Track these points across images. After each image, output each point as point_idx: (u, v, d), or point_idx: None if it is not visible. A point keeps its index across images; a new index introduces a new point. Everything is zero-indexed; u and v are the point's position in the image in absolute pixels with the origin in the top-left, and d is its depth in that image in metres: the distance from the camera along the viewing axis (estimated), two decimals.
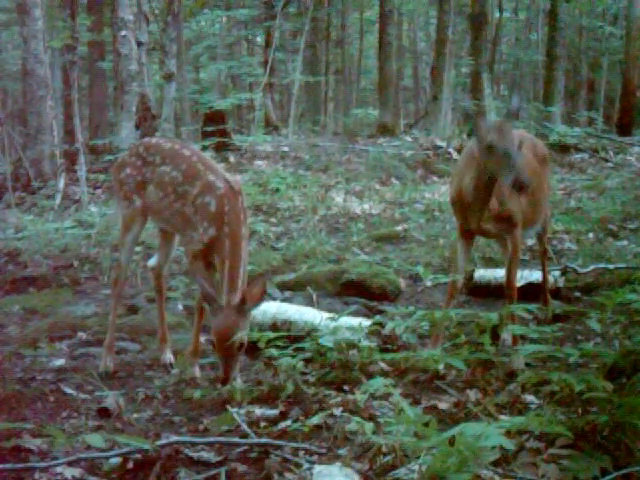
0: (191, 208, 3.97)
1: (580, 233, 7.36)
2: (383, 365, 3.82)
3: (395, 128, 15.68)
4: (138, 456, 2.86)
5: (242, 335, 3.64)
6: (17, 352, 4.74)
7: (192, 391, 3.77)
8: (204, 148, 11.13)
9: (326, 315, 4.26)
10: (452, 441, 2.38)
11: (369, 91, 26.46)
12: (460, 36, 20.42)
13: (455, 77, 16.42)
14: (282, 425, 3.14)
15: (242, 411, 3.33)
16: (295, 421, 3.16)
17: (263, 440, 2.97)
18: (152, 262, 4.59)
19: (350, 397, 3.29)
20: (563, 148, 12.69)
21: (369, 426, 2.81)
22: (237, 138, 13.14)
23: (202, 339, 4.93)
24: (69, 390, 3.96)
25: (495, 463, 2.55)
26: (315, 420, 3.09)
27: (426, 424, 2.63)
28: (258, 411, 3.33)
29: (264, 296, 3.74)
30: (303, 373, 3.66)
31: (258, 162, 11.89)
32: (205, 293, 3.72)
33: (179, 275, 6.46)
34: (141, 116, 11.38)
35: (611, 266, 5.87)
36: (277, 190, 9.88)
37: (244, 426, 3.15)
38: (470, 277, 5.70)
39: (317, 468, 2.60)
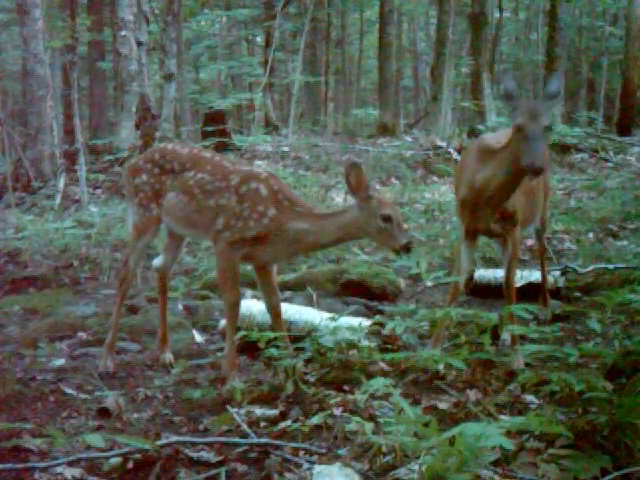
0: (233, 197, 3.94)
1: (580, 233, 7.37)
2: (383, 365, 3.81)
3: (395, 128, 15.68)
4: (138, 456, 2.86)
5: None
6: (17, 352, 4.74)
7: (192, 391, 3.76)
8: (204, 148, 11.12)
9: (326, 315, 4.25)
10: (452, 441, 2.38)
11: (369, 91, 26.49)
12: (460, 36, 20.44)
13: (455, 77, 16.42)
14: (282, 425, 3.14)
15: (242, 411, 3.33)
16: (295, 421, 3.16)
17: (263, 440, 2.97)
18: (158, 262, 4.51)
19: (350, 397, 3.29)
20: (563, 148, 12.68)
21: (369, 426, 2.81)
22: (237, 138, 13.14)
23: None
24: (69, 390, 3.95)
25: (495, 463, 2.55)
26: (315, 420, 3.09)
27: (426, 424, 2.63)
28: (258, 411, 3.32)
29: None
30: (303, 373, 3.66)
31: (258, 162, 11.88)
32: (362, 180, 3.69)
33: (179, 275, 6.46)
34: (141, 116, 11.36)
35: (611, 266, 5.87)
36: None
37: (244, 426, 3.15)
38: (470, 277, 5.70)
39: (317, 468, 2.60)
